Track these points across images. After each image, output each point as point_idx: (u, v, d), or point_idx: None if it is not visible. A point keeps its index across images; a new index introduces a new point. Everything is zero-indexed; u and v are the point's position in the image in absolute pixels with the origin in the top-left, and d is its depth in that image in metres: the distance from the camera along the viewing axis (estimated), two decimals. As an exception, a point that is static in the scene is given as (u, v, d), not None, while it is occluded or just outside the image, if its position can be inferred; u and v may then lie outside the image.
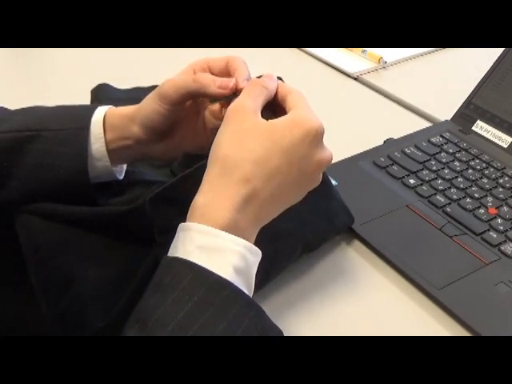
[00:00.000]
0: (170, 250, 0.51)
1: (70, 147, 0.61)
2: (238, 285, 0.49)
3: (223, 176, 0.51)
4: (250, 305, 0.49)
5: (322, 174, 0.56)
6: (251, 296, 0.51)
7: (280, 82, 0.58)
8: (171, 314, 0.46)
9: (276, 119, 0.54)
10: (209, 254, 0.49)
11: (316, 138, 0.53)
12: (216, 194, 0.51)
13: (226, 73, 0.62)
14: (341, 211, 0.68)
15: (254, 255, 0.52)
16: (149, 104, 0.61)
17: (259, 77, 0.59)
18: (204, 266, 0.48)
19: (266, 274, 0.63)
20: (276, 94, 0.57)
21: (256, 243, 0.52)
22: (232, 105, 0.55)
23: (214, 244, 0.49)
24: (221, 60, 0.62)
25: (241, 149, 0.52)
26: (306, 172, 0.54)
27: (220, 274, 0.48)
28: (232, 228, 0.50)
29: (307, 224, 0.65)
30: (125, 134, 0.62)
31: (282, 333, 0.51)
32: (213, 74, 0.61)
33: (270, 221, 0.54)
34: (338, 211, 0.68)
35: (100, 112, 0.63)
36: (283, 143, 0.52)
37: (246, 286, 0.51)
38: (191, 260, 0.48)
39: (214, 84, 0.58)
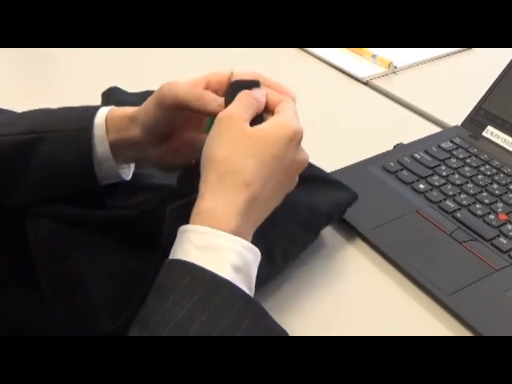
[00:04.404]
0: (171, 252, 0.52)
1: (75, 148, 0.61)
2: (237, 283, 0.49)
3: (223, 181, 0.52)
4: (250, 304, 0.50)
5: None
6: (252, 295, 0.52)
7: (271, 90, 0.59)
8: (171, 314, 0.47)
9: (261, 126, 0.55)
10: (206, 253, 0.50)
11: (297, 141, 0.55)
12: (218, 199, 0.52)
13: None
14: (337, 192, 0.70)
15: (252, 253, 0.52)
16: (149, 106, 0.60)
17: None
18: (202, 265, 0.49)
19: (269, 257, 0.63)
20: (266, 103, 0.58)
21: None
22: (225, 111, 0.55)
23: (210, 243, 0.50)
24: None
25: (237, 155, 0.53)
26: (289, 174, 0.56)
27: (218, 273, 0.49)
28: (235, 233, 0.51)
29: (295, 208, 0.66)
30: (126, 135, 0.62)
31: (286, 333, 0.52)
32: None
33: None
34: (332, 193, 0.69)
35: (102, 113, 0.62)
36: (274, 150, 0.54)
37: (247, 285, 0.51)
38: (189, 260, 0.49)
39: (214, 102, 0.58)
